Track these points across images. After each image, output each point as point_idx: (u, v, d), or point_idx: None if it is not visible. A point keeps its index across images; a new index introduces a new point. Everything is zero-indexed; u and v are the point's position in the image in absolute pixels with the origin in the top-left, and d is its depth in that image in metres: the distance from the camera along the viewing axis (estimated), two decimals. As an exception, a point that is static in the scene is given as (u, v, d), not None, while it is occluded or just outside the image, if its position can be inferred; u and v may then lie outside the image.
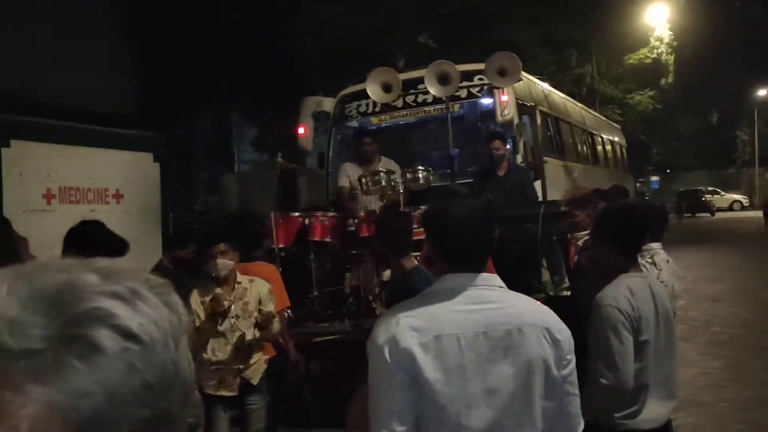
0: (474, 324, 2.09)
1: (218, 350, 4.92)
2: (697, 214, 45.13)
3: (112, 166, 8.19)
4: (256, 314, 4.93)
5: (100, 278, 0.69)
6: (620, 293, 3.13)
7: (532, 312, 2.20)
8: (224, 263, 4.89)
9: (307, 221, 7.44)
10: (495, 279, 2.24)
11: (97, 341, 0.65)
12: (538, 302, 2.41)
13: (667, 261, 4.93)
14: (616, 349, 3.04)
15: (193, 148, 12.53)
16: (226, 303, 4.86)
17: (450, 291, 2.16)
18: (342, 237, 7.47)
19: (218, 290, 4.93)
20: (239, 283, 5.02)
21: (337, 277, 7.72)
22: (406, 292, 4.07)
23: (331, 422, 5.92)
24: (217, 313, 4.85)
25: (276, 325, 5.00)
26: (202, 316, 4.88)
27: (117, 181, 8.19)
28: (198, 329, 4.80)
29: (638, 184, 33.01)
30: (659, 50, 31.96)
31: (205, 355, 4.90)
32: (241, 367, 4.96)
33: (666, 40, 32.39)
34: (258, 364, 5.07)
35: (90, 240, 4.07)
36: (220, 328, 4.88)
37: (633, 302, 3.11)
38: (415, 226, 6.32)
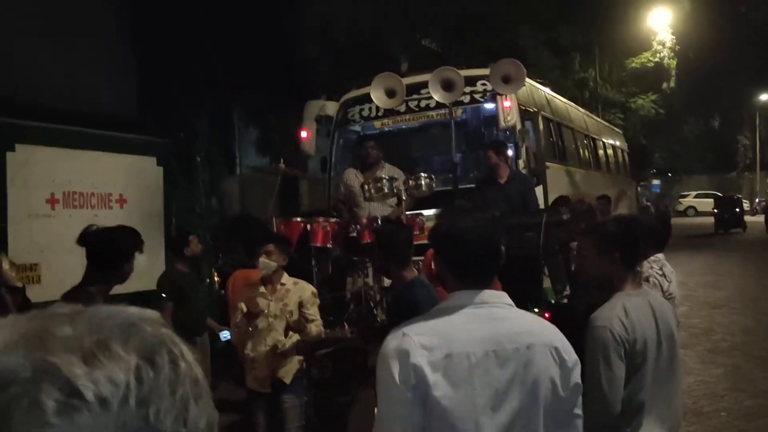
0: (483, 342, 2.11)
1: (254, 348, 5.06)
2: (731, 230, 33.97)
3: (116, 170, 8.17)
4: (293, 317, 5.03)
5: (74, 329, 0.70)
6: (614, 314, 3.04)
7: (540, 331, 2.23)
8: (266, 263, 5.02)
9: (308, 227, 7.45)
10: (504, 296, 2.27)
11: (40, 399, 0.65)
12: (545, 321, 2.44)
13: (672, 272, 4.95)
14: (604, 375, 2.96)
15: (194, 151, 12.51)
16: (260, 304, 5.00)
17: (460, 308, 2.18)
18: (344, 243, 7.48)
19: (261, 290, 5.07)
20: (283, 284, 5.13)
21: (338, 283, 7.73)
22: (406, 301, 4.12)
23: (332, 429, 5.94)
24: (252, 313, 4.98)
25: (314, 329, 5.08)
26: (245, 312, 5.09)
27: (120, 186, 8.18)
28: (236, 326, 5.04)
29: (639, 188, 32.98)
30: (662, 54, 31.97)
31: (244, 351, 5.10)
32: (275, 366, 5.05)
33: (668, 44, 32.40)
34: (292, 364, 5.14)
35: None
36: (259, 326, 5.00)
37: (627, 323, 3.02)
38: (416, 232, 6.39)
